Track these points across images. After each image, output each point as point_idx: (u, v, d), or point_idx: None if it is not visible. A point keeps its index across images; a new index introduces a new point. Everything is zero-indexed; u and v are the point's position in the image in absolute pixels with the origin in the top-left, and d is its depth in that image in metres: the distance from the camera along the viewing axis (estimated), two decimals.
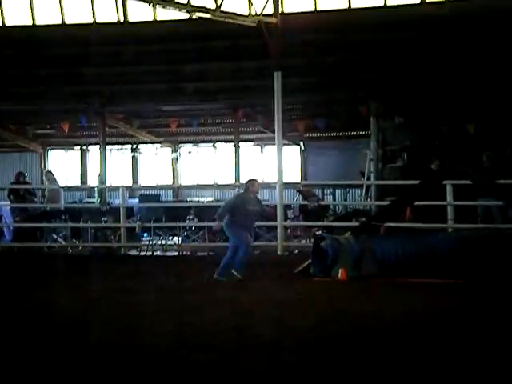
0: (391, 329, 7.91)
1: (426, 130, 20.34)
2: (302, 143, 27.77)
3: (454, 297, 10.23)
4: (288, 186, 21.58)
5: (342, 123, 24.01)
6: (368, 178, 20.15)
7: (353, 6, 18.71)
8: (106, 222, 18.75)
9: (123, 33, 20.42)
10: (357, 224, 15.39)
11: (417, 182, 14.69)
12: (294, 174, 28.65)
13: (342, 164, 24.17)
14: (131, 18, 20.85)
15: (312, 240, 14.97)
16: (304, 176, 27.66)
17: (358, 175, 21.28)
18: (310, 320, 8.42)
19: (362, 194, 21.07)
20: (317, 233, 16.65)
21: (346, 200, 22.47)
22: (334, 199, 22.40)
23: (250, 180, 13.02)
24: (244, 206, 12.51)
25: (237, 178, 26.85)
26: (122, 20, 20.59)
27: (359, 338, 7.39)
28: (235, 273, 12.35)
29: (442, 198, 15.95)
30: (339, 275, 12.28)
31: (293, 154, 29.13)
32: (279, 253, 17.11)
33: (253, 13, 18.32)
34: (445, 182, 15.38)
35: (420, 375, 5.98)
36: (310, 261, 13.16)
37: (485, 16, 18.19)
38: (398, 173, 20.05)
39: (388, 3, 18.47)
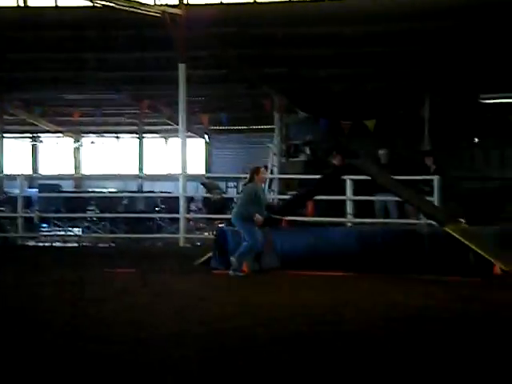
0: (288, 321, 8.00)
1: (328, 126, 20.69)
2: (206, 136, 27.78)
3: (345, 289, 10.43)
4: (192, 178, 21.54)
5: (246, 117, 24.15)
6: (271, 172, 20.33)
7: (258, 0, 18.77)
8: (2, 211, 18.27)
9: (22, 17, 19.79)
10: None
11: (318, 176, 14.92)
12: (198, 167, 28.66)
13: (246, 157, 24.32)
14: (31, 3, 20.22)
15: (215, 232, 14.98)
16: (208, 168, 27.67)
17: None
18: (208, 313, 8.43)
19: (265, 188, 21.22)
20: (219, 225, 16.69)
21: None
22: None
23: (255, 168, 12.33)
24: (258, 197, 12.02)
25: (140, 169, 26.64)
26: (21, 4, 19.95)
27: (258, 330, 7.45)
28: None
29: (341, 192, 16.23)
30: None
31: (198, 147, 29.13)
32: (181, 245, 17.08)
33: (158, 2, 18.17)
34: (344, 176, 15.65)
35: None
36: (211, 253, 13.18)
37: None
38: (300, 167, 20.32)
39: None
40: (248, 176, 12.37)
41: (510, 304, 9.21)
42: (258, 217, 11.90)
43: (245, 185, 12.68)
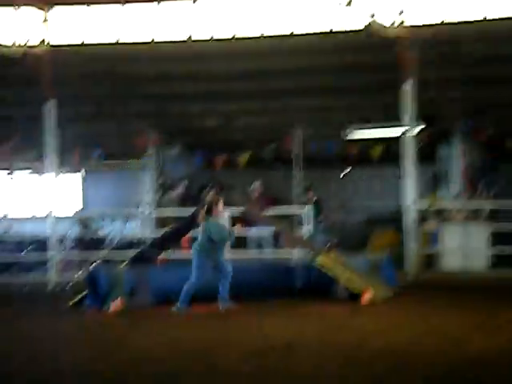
0: (168, 359, 7.96)
1: (202, 160, 20.84)
2: (80, 172, 27.29)
3: (218, 325, 10.48)
4: (64, 215, 21.07)
5: (122, 152, 23.91)
6: (146, 208, 20.21)
7: (122, 41, 18.79)
8: None
9: None
10: (133, 254, 15.32)
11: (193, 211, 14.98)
12: (72, 203, 28.04)
13: (121, 193, 24.03)
14: None
15: (87, 271, 14.69)
16: (83, 205, 27.14)
17: (138, 204, 21.29)
18: (83, 353, 8.27)
19: (140, 224, 21.07)
20: (93, 264, 16.40)
21: (124, 230, 22.32)
22: (113, 229, 22.18)
23: (211, 199, 12.43)
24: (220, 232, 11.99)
25: (9, 208, 25.78)
26: None
27: (138, 368, 7.38)
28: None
29: None
30: (113, 306, 12.17)
31: (72, 183, 28.54)
32: (52, 287, 16.64)
33: (21, 43, 17.90)
34: None
35: None
36: (84, 293, 12.94)
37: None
38: (176, 202, 20.30)
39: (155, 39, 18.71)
40: (205, 209, 12.22)
41: (378, 331, 9.50)
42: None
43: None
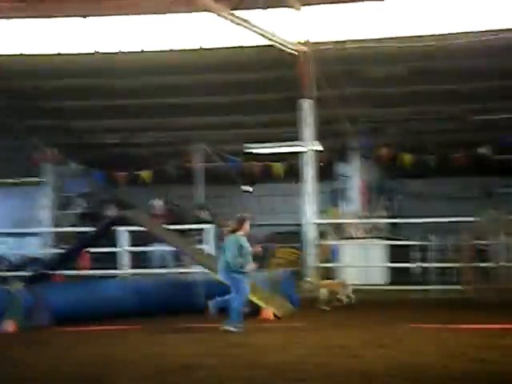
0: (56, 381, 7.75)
1: (102, 177, 20.56)
2: None
3: (116, 343, 10.30)
4: None
5: (18, 170, 23.31)
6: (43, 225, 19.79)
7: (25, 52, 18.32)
8: None
9: None
10: (30, 273, 14.93)
11: (93, 228, 14.74)
12: None
13: (17, 211, 23.39)
14: None
15: None
16: None
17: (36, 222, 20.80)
18: None
19: (39, 242, 20.58)
20: None
21: (21, 248, 21.72)
22: (9, 248, 21.56)
23: (242, 217, 11.60)
24: (242, 249, 11.29)
25: None
26: None
27: None
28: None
29: (116, 244, 16.07)
30: (7, 327, 11.79)
31: None
32: None
33: None
34: (119, 228, 15.54)
35: None
36: None
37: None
38: (75, 219, 19.95)
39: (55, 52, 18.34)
40: (233, 226, 11.58)
41: (276, 347, 9.55)
42: (251, 265, 11.41)
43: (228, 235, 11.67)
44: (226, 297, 11.45)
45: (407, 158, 19.11)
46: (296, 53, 16.20)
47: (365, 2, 16.54)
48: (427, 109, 19.11)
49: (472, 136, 19.40)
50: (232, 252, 11.13)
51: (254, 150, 20.10)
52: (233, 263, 11.09)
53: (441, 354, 8.82)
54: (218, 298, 11.60)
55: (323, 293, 14.24)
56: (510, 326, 11.12)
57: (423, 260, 17.01)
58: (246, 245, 11.28)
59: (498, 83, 17.49)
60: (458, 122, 19.10)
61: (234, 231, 11.36)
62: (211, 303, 11.64)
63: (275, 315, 12.54)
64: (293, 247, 18.11)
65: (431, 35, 16.24)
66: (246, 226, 11.41)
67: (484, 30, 15.92)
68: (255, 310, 12.61)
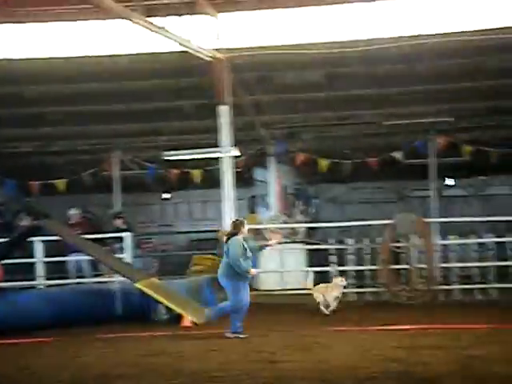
0: None
1: (15, 187, 20.08)
2: None
3: (31, 356, 10.10)
4: None
5: None
6: None
7: None
8: None
9: None
10: None
11: (6, 239, 14.41)
12: None
13: None
14: None
15: None
16: None
17: None
18: None
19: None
20: None
21: None
22: None
23: (239, 220, 11.57)
24: (246, 252, 11.11)
25: None
26: None
27: None
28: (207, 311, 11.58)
29: (31, 254, 15.71)
30: None
31: None
32: None
33: None
34: (34, 238, 15.20)
35: None
36: None
37: None
38: None
39: None
40: (228, 231, 11.59)
41: (195, 355, 9.53)
42: (253, 270, 11.29)
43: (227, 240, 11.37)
44: (223, 304, 11.42)
45: (323, 163, 19.35)
46: (212, 59, 16.21)
47: (280, 10, 16.66)
48: (342, 114, 19.40)
49: (385, 141, 19.79)
50: (236, 254, 10.95)
51: (172, 157, 19.99)
52: (237, 266, 10.91)
53: (360, 356, 8.99)
54: (216, 307, 11.61)
55: (318, 297, 13.98)
56: (425, 326, 11.42)
57: (341, 263, 17.26)
58: (248, 248, 11.17)
59: (412, 88, 17.92)
60: (372, 127, 19.46)
61: (233, 235, 11.21)
62: (207, 311, 11.63)
63: (195, 322, 12.50)
64: (212, 254, 18.07)
65: (345, 41, 16.49)
66: (245, 228, 11.31)
67: (398, 35, 16.25)
68: (175, 318, 12.55)
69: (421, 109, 18.64)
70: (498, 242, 16.60)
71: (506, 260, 16.33)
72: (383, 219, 16.19)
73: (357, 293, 16.18)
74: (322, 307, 13.87)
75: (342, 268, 17.02)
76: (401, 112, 18.83)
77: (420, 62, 16.97)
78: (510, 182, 22.91)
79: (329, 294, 13.99)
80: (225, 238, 11.39)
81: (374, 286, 16.10)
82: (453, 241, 16.84)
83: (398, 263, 15.94)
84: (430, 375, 7.70)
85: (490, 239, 16.74)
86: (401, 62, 17.05)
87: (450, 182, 22.85)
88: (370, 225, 16.70)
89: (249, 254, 11.13)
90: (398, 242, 16.06)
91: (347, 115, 19.55)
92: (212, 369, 8.41)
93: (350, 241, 17.13)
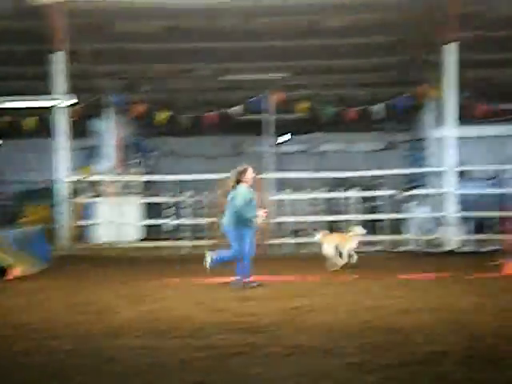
0: None
1: None
2: None
3: None
4: None
5: None
6: None
7: None
8: None
9: None
10: None
11: None
12: None
13: None
14: None
15: None
16: None
17: None
18: None
19: None
20: None
21: None
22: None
23: (243, 169, 10.87)
24: (251, 200, 10.75)
25: None
26: None
27: None
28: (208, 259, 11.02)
29: None
30: None
31: None
32: None
33: None
34: None
35: None
36: None
37: None
38: None
39: None
40: (233, 179, 10.89)
41: (21, 307, 9.30)
42: (259, 218, 10.82)
43: (233, 188, 10.88)
44: (225, 252, 11.09)
45: (162, 115, 19.21)
46: (47, 3, 15.54)
47: None
48: (181, 67, 19.30)
49: (223, 96, 19.90)
50: (242, 201, 10.68)
51: (3, 104, 19.11)
52: (242, 213, 10.66)
53: (193, 307, 9.12)
54: (216, 256, 11.16)
55: (328, 249, 12.73)
56: (257, 278, 11.71)
57: (178, 217, 17.33)
58: (253, 196, 10.92)
59: (249, 44, 18.04)
60: (210, 81, 19.48)
61: (238, 182, 10.88)
62: (208, 259, 11.14)
63: (23, 273, 12.16)
64: (46, 205, 17.60)
65: None
66: (249, 175, 10.94)
67: None
68: (1, 270, 12.16)
69: (257, 65, 18.88)
70: (328, 197, 17.28)
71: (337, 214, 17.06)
72: (220, 173, 16.34)
73: (193, 246, 16.31)
74: (331, 262, 12.69)
75: (178, 221, 17.13)
76: (238, 67, 18.98)
77: (257, 18, 17.08)
78: (342, 140, 23.85)
79: (343, 245, 12.79)
80: (230, 186, 11.03)
81: (210, 239, 16.29)
82: (286, 196, 17.32)
83: None
84: (256, 325, 7.93)
85: (322, 194, 17.39)
86: (239, 18, 17.10)
87: (285, 138, 23.42)
88: (206, 179, 16.82)
89: (254, 202, 10.91)
90: None
91: (186, 68, 19.46)
92: (37, 321, 8.26)
93: (187, 194, 17.23)
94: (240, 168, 11.00)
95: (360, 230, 13.14)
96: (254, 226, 10.91)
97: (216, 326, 7.85)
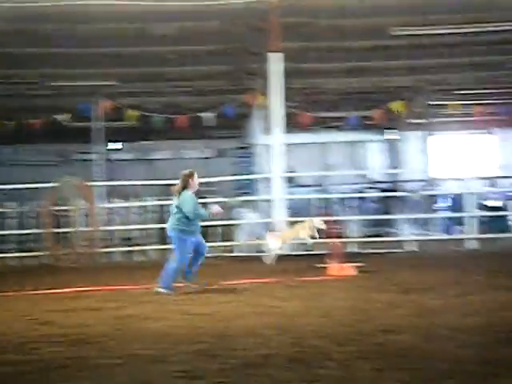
0: None
1: None
2: None
3: None
4: None
5: None
6: None
7: None
8: None
9: None
10: None
11: None
12: None
13: None
14: None
15: None
16: None
17: None
18: None
19: None
20: None
21: None
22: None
23: (189, 172, 10.82)
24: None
25: None
26: None
27: None
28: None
29: None
30: None
31: None
32: None
33: None
34: None
35: None
36: None
37: None
38: None
39: None
40: (180, 182, 10.75)
41: None
42: (214, 208, 10.96)
43: (178, 194, 10.76)
44: (167, 268, 10.75)
45: None
46: None
47: None
48: (5, 72, 18.57)
49: (50, 102, 19.36)
50: (191, 207, 10.59)
51: None
52: (195, 216, 10.61)
53: (15, 321, 8.76)
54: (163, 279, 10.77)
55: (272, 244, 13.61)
56: (85, 288, 11.45)
57: (1, 228, 16.66)
58: (192, 200, 10.72)
59: (77, 50, 17.65)
60: (37, 87, 18.89)
61: (183, 188, 10.74)
62: (160, 289, 10.69)
63: None
64: None
65: None
66: (195, 181, 10.82)
67: None
68: None
69: (86, 71, 18.52)
70: (159, 205, 17.22)
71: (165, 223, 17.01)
72: (46, 182, 15.87)
73: (18, 257, 15.73)
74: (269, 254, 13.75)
75: (2, 232, 16.48)
76: (66, 73, 18.53)
77: (86, 24, 16.76)
78: (173, 147, 23.87)
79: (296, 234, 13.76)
80: (176, 191, 10.86)
81: (36, 250, 15.78)
82: (116, 204, 17.09)
83: (60, 227, 15.79)
84: (85, 336, 7.74)
85: (152, 202, 17.30)
86: (67, 23, 16.68)
87: (115, 145, 23.13)
88: (32, 188, 16.28)
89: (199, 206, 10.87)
90: (61, 205, 15.90)
91: (11, 73, 18.76)
92: None
93: (12, 204, 16.59)
94: (186, 172, 10.95)
95: (317, 220, 13.83)
96: (196, 232, 10.86)
97: (41, 340, 7.58)
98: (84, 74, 18.46)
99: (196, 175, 10.89)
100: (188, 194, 10.79)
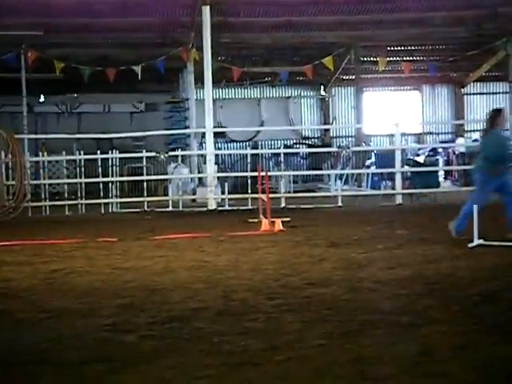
0: None
1: None
2: None
3: None
4: None
5: None
6: None
7: None
8: None
9: None
10: None
11: None
12: None
13: None
14: None
15: None
16: None
17: None
18: None
19: None
20: None
21: None
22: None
23: (497, 110, 10.45)
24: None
25: None
26: None
27: None
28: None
29: None
30: None
31: None
32: None
33: None
34: None
35: None
36: None
37: None
38: None
39: None
40: (488, 120, 10.32)
41: None
42: None
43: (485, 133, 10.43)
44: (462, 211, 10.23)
45: None
46: None
47: None
48: None
49: None
50: (503, 147, 10.13)
51: None
52: (499, 158, 10.00)
53: None
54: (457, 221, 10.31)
55: None
56: (12, 243, 11.26)
57: None
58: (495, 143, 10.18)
59: None
60: None
61: (492, 126, 10.22)
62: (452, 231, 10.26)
63: None
64: None
65: None
66: (502, 119, 10.41)
67: None
68: None
69: (11, 21, 17.92)
70: (87, 160, 16.93)
71: (95, 177, 16.78)
72: None
73: None
74: None
75: None
76: None
77: None
78: (101, 100, 23.43)
79: None
80: (483, 131, 10.74)
81: None
82: (44, 158, 16.75)
83: None
84: (11, 290, 7.64)
85: (80, 156, 16.98)
86: None
87: (41, 98, 22.58)
88: None
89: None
90: None
91: None
92: None
93: None
94: (494, 111, 10.61)
95: None
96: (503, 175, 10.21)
97: None
98: (10, 24, 17.85)
99: (503, 113, 10.59)
100: (496, 132, 10.36)
